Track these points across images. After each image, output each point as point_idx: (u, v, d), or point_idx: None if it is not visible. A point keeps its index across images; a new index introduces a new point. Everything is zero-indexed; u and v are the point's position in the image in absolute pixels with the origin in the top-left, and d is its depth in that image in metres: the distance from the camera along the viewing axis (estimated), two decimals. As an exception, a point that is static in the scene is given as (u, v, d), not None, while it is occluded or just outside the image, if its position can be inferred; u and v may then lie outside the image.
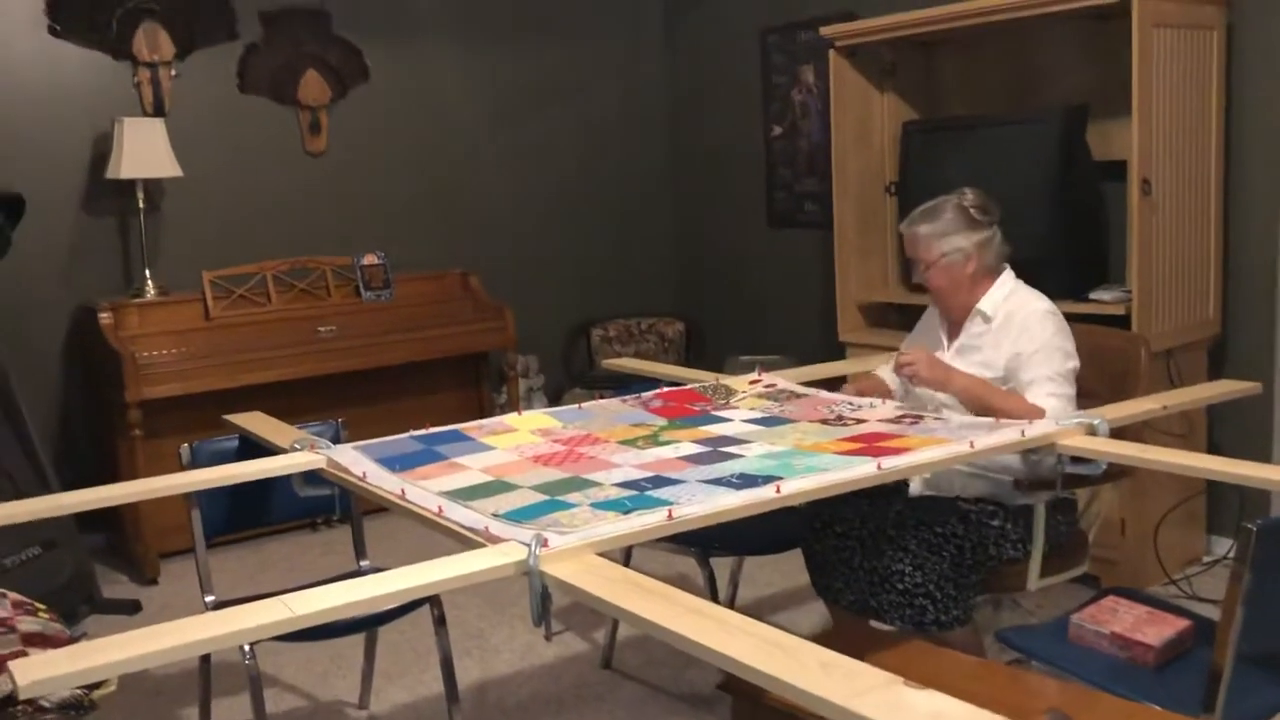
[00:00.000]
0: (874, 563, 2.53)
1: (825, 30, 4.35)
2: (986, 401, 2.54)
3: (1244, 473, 2.10)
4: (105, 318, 4.23)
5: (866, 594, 2.55)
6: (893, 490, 2.63)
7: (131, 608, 3.91)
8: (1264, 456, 3.67)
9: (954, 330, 2.78)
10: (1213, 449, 3.77)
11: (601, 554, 1.76)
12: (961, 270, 2.68)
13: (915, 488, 2.66)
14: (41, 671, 1.39)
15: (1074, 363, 2.61)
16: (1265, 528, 1.77)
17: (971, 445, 2.21)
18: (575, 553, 1.73)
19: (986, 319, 2.68)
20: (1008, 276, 2.72)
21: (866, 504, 2.62)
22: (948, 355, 2.74)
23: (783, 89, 5.35)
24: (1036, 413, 2.48)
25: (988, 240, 2.69)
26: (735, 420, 2.57)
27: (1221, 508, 3.87)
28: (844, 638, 2.27)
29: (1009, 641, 2.35)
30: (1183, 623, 2.25)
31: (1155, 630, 2.22)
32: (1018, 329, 2.62)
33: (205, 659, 2.66)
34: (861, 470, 2.08)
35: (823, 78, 4.90)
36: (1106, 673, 2.16)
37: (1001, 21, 3.77)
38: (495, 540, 1.79)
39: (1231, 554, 2.65)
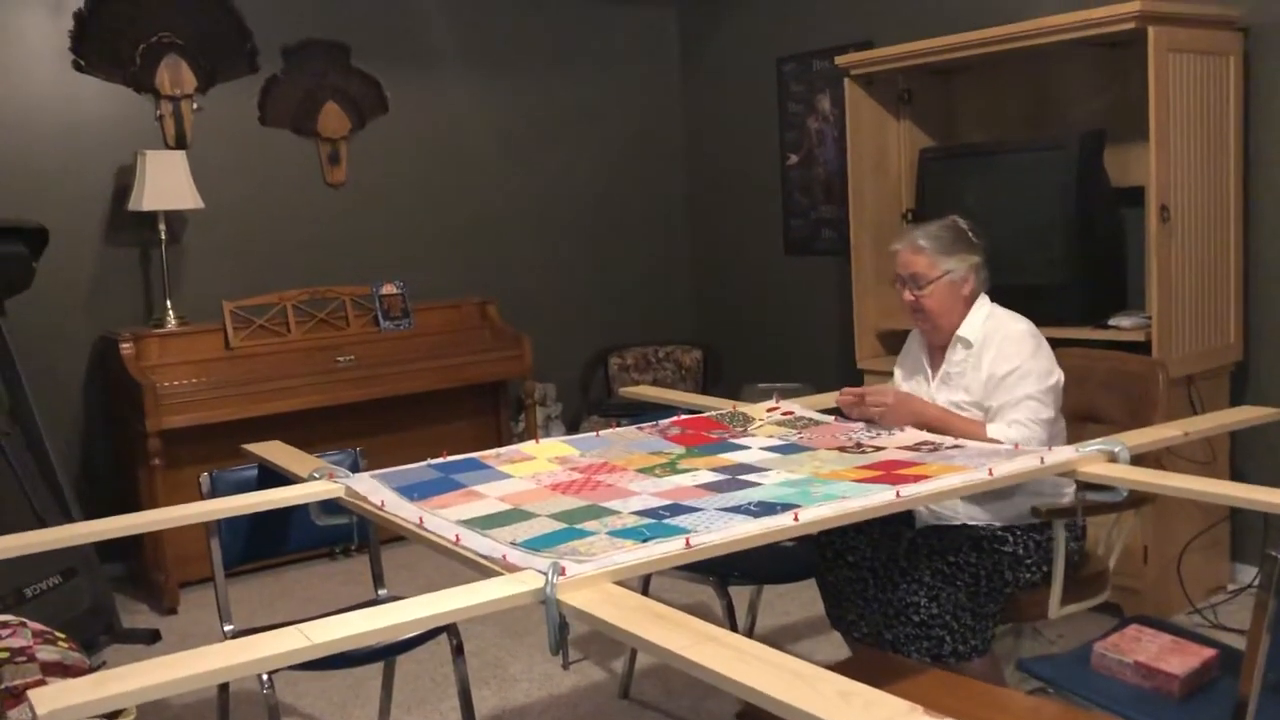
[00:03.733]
0: (888, 595, 2.51)
1: (841, 59, 4.37)
2: (950, 433, 2.55)
3: (1268, 499, 2.07)
4: (126, 348, 4.27)
5: (881, 626, 2.53)
6: (903, 520, 2.62)
7: (151, 637, 3.91)
8: (1288, 483, 3.64)
9: (936, 358, 2.77)
10: (1236, 476, 3.74)
11: (619, 582, 1.75)
12: (957, 291, 2.68)
13: (922, 520, 2.64)
14: (60, 700, 1.39)
15: (1053, 380, 2.58)
16: (1289, 555, 1.76)
17: (990, 473, 2.20)
18: (593, 581, 1.73)
19: (968, 345, 2.66)
20: (984, 300, 2.72)
21: (879, 532, 2.60)
22: (933, 385, 2.74)
23: (799, 117, 5.37)
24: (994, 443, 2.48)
25: (980, 264, 2.70)
26: (753, 448, 2.57)
27: (1246, 535, 3.83)
28: (863, 667, 2.25)
29: (1031, 670, 2.32)
30: (1207, 652, 2.23)
31: (1179, 660, 2.20)
32: (994, 350, 2.61)
33: (224, 688, 2.66)
34: (880, 498, 2.07)
35: (839, 106, 4.91)
36: (1130, 702, 2.14)
37: (1017, 48, 3.78)
38: (513, 569, 1.79)
39: (1256, 582, 2.62)
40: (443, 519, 2.08)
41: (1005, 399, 2.56)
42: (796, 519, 1.96)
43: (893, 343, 4.42)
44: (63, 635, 2.48)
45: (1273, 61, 3.67)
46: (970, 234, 2.71)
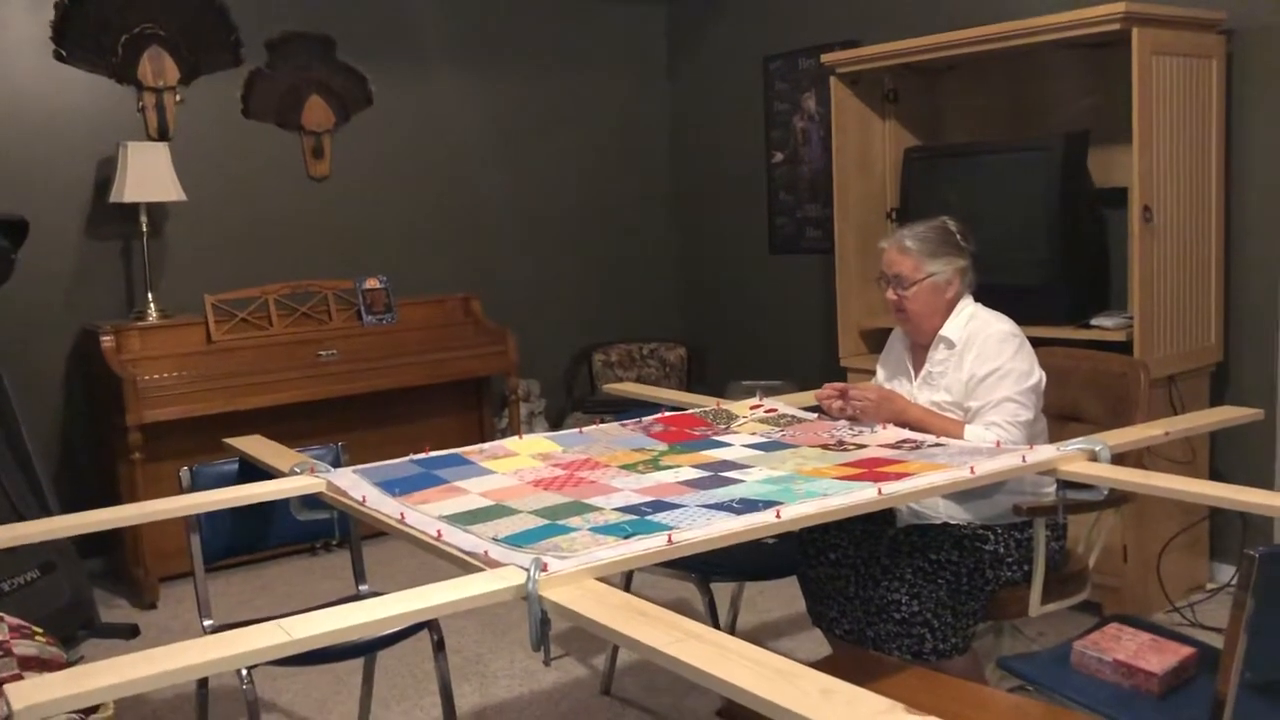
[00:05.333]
0: (869, 592, 2.52)
1: (827, 58, 4.38)
2: (931, 434, 2.56)
3: (1246, 499, 2.09)
4: (107, 341, 4.24)
5: (863, 623, 2.53)
6: (885, 518, 2.62)
7: (129, 632, 3.89)
8: (1266, 483, 3.66)
9: (919, 358, 2.77)
10: (1215, 475, 3.76)
11: (601, 579, 1.75)
12: (941, 294, 2.68)
13: (903, 519, 2.65)
14: (37, 695, 1.38)
15: (1033, 380, 2.59)
16: (1268, 555, 1.77)
17: (972, 471, 2.21)
18: (575, 577, 1.72)
19: (950, 345, 2.67)
20: (967, 301, 2.72)
21: (860, 529, 2.61)
22: (915, 384, 2.74)
23: (785, 115, 5.37)
24: None
25: (967, 268, 2.70)
26: (736, 445, 2.57)
27: (1224, 534, 3.85)
28: (844, 664, 2.25)
29: (1011, 668, 2.33)
30: (1186, 650, 2.24)
31: (1158, 658, 2.21)
32: (976, 351, 2.62)
33: (203, 683, 2.65)
34: (862, 495, 2.07)
35: (824, 104, 4.93)
36: (1109, 701, 2.15)
37: (1002, 49, 3.79)
38: (494, 564, 1.79)
39: (1234, 581, 2.64)
40: (424, 514, 2.08)
41: (985, 400, 2.57)
42: (779, 516, 1.96)
43: (876, 341, 4.43)
44: (40, 630, 2.47)
45: (1255, 65, 3.70)
46: (959, 237, 2.71)
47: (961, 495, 2.54)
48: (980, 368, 2.59)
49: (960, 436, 2.54)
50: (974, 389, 2.59)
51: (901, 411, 2.64)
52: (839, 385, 2.74)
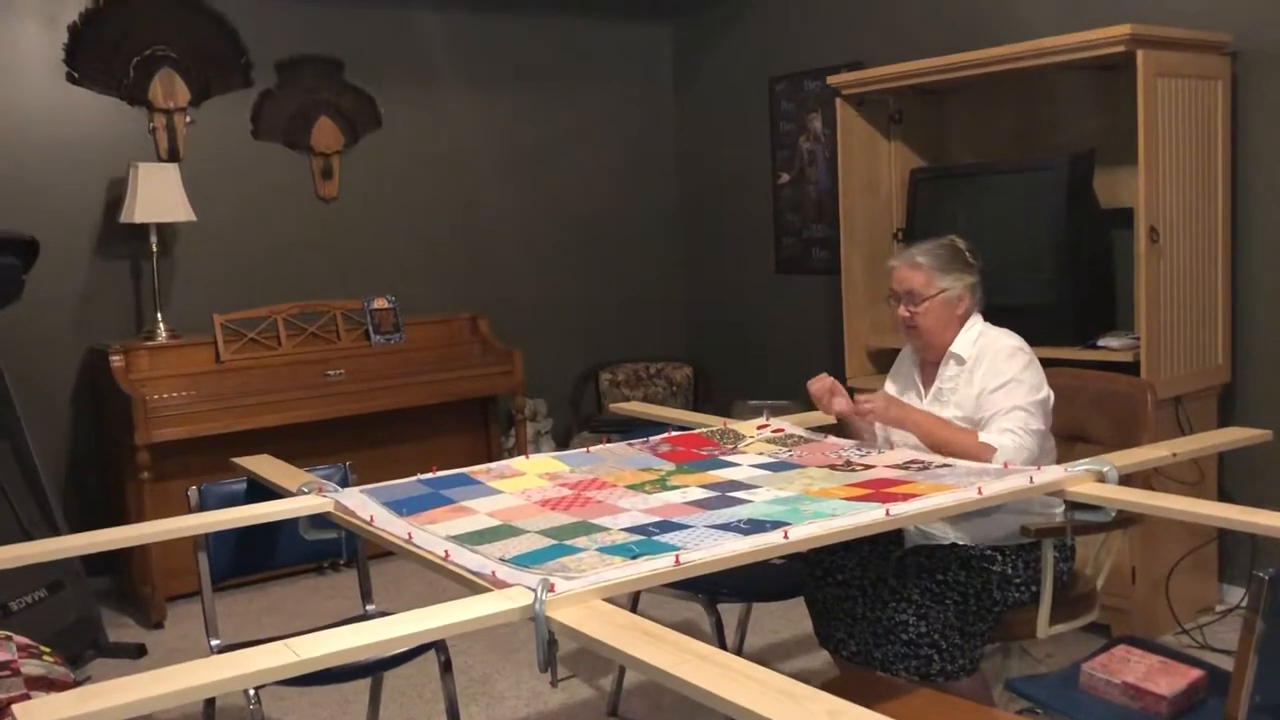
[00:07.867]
0: (877, 614, 2.51)
1: (832, 79, 4.40)
2: (940, 437, 2.58)
3: (1255, 520, 2.08)
4: (116, 360, 4.26)
5: (870, 645, 2.53)
6: (892, 538, 2.62)
7: (137, 651, 3.89)
8: (1276, 504, 3.63)
9: (928, 375, 2.78)
10: (1223, 496, 3.75)
11: (608, 599, 1.75)
12: (952, 310, 2.69)
13: (911, 539, 2.65)
14: (45, 715, 1.38)
15: (1042, 394, 2.60)
16: (1278, 576, 1.76)
17: (980, 492, 2.20)
18: (582, 598, 1.72)
19: (960, 361, 2.68)
20: (976, 319, 2.74)
21: (868, 550, 2.60)
22: (925, 401, 2.75)
23: (790, 137, 5.39)
24: (986, 450, 2.50)
25: (976, 285, 2.72)
26: (743, 465, 2.57)
27: (1233, 556, 3.84)
28: (851, 686, 2.24)
29: (1019, 690, 2.32)
30: (1195, 673, 2.23)
31: (1167, 680, 2.20)
32: (986, 366, 2.63)
33: (210, 703, 2.65)
34: (869, 516, 2.07)
35: (830, 126, 4.94)
36: (1118, 723, 2.14)
37: (1008, 70, 3.80)
38: (502, 585, 1.79)
39: (1244, 603, 2.63)
40: (432, 534, 2.08)
41: (995, 409, 2.57)
42: (786, 537, 1.96)
43: (883, 361, 4.43)
44: (48, 649, 2.47)
45: (1260, 86, 3.70)
46: (967, 254, 2.73)
47: (969, 515, 2.53)
48: (990, 381, 2.60)
49: (965, 441, 2.54)
50: (984, 402, 2.60)
51: (903, 418, 2.65)
52: (830, 379, 2.75)
